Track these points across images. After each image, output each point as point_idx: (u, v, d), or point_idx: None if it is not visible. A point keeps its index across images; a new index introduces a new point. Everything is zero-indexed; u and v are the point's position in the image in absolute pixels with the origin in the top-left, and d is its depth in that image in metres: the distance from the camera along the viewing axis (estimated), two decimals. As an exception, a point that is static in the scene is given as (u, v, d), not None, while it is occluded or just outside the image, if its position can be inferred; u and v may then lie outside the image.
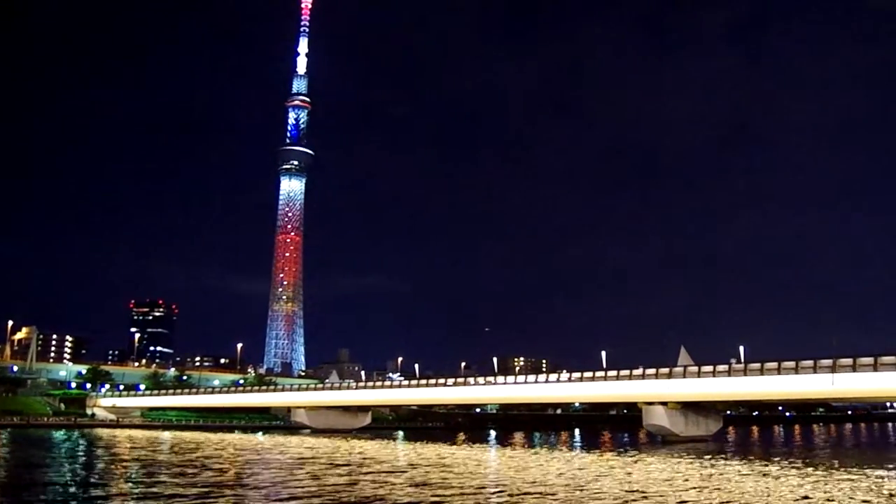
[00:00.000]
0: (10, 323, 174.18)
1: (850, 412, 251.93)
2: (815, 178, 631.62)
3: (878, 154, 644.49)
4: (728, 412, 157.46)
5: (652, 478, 43.61)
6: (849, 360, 68.45)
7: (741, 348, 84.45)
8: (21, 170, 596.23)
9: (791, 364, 72.17)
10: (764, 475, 45.00)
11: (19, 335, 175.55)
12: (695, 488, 37.69)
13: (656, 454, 65.55)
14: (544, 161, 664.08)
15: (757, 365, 75.42)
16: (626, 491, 36.31)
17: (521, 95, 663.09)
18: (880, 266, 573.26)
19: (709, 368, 78.98)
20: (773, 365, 73.67)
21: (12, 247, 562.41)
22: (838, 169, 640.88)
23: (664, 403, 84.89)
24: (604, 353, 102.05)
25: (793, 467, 51.09)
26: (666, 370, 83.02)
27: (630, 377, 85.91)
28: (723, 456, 63.46)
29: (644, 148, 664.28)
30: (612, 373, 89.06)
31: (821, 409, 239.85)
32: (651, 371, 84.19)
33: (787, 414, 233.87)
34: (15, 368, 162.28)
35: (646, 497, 34.01)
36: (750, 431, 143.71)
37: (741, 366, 77.60)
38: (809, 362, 70.81)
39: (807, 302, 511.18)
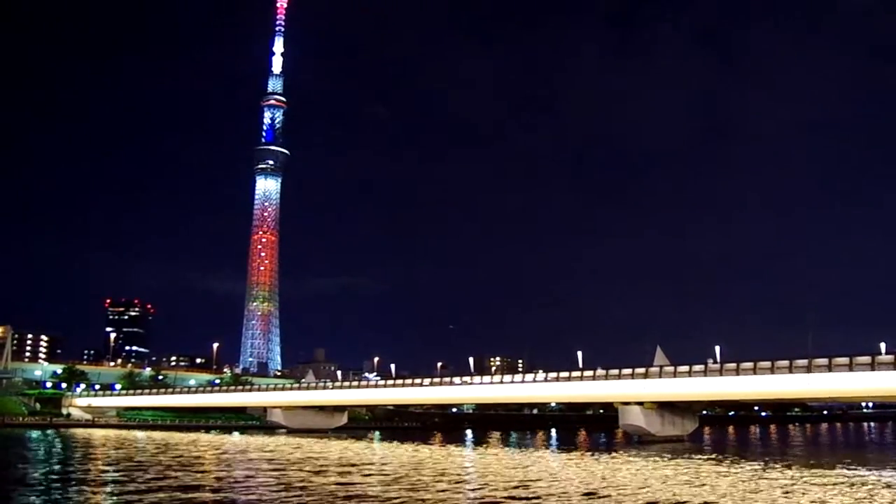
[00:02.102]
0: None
1: (825, 412, 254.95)
2: (791, 177, 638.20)
3: (849, 150, 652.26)
4: (704, 412, 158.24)
5: (628, 477, 43.32)
6: (824, 361, 68.63)
7: (717, 349, 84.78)
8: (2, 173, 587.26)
9: (767, 364, 72.21)
10: (740, 474, 44.93)
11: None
12: (671, 487, 37.43)
13: (633, 454, 65.44)
14: (520, 160, 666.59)
15: (733, 365, 75.40)
16: (599, 490, 35.94)
17: (496, 94, 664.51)
18: (859, 265, 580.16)
19: (685, 368, 79.00)
20: (749, 365, 73.69)
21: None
22: (814, 167, 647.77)
23: (640, 403, 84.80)
24: (580, 354, 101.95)
25: (769, 466, 51.12)
26: (642, 370, 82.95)
27: (606, 377, 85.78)
28: (699, 455, 63.48)
29: (619, 148, 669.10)
30: (589, 373, 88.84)
31: (797, 409, 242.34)
32: (627, 371, 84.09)
33: (763, 414, 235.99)
34: None
35: (620, 496, 33.64)
36: (726, 431, 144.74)
37: (717, 366, 77.71)
38: (785, 362, 70.92)
39: (784, 303, 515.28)
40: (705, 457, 61.76)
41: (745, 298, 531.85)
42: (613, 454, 66.92)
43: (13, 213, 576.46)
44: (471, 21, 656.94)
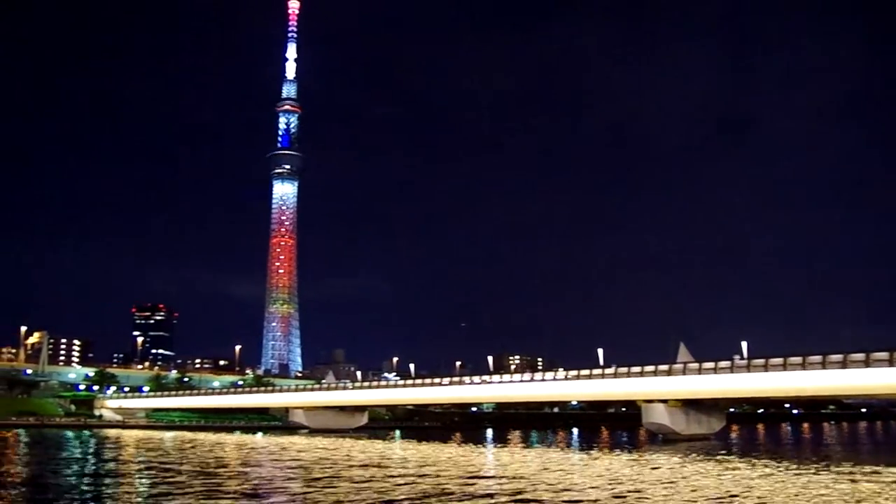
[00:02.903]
0: (24, 328, 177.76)
1: (863, 410, 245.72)
2: (814, 170, 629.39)
3: (867, 139, 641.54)
4: (731, 410, 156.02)
5: (654, 477, 42.45)
6: (861, 356, 65.47)
7: (744, 344, 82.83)
8: (28, 179, 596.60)
9: (798, 360, 69.54)
10: (772, 475, 43.75)
11: (32, 339, 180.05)
12: (699, 489, 36.53)
13: (658, 453, 64.37)
14: (535, 158, 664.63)
15: (761, 361, 72.92)
16: (625, 492, 35.15)
17: (508, 92, 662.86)
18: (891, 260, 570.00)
19: (710, 365, 77.27)
20: (779, 361, 71.14)
21: (23, 253, 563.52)
22: (837, 159, 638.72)
23: (664, 401, 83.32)
24: (601, 351, 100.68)
25: (804, 466, 49.50)
26: (665, 367, 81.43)
27: (628, 375, 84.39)
28: (728, 455, 61.93)
29: (636, 142, 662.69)
30: (610, 370, 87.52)
31: (831, 407, 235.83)
32: (650, 368, 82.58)
33: (795, 411, 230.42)
34: (28, 371, 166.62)
35: (651, 498, 32.83)
36: (755, 430, 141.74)
37: (744, 362, 75.50)
38: (818, 357, 68.13)
39: (811, 299, 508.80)
40: (736, 456, 60.10)
41: (774, 292, 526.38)
42: (638, 453, 65.78)
43: (46, 224, 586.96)
44: (481, 21, 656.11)
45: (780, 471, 45.28)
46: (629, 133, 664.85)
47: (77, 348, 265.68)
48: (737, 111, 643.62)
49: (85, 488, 36.91)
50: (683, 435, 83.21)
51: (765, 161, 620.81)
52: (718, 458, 56.62)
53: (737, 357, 78.81)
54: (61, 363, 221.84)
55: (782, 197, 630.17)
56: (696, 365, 79.29)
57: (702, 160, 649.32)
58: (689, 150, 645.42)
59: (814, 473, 43.20)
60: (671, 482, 38.25)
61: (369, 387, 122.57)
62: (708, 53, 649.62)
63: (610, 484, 37.72)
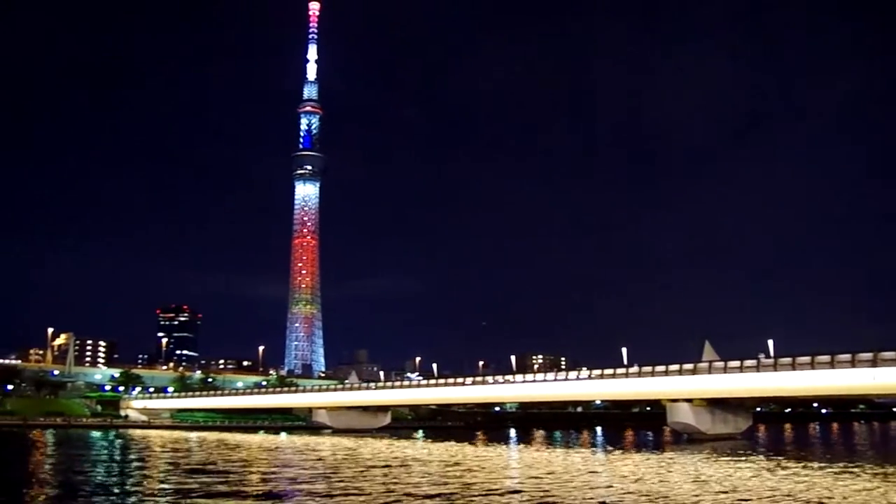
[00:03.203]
0: (51, 330, 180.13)
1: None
2: (831, 165, 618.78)
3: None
4: (758, 409, 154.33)
5: (681, 477, 42.06)
6: (892, 354, 64.37)
7: (770, 342, 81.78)
8: (54, 182, 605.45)
9: (826, 358, 68.54)
10: (801, 475, 43.19)
11: (58, 341, 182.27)
12: (728, 489, 36.13)
13: (683, 452, 63.82)
14: (555, 157, 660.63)
15: (788, 359, 72.01)
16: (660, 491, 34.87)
17: (528, 93, 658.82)
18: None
19: (736, 363, 76.44)
20: (806, 359, 70.23)
21: (50, 256, 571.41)
22: (852, 154, 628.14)
23: (689, 400, 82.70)
24: (624, 350, 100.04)
25: (833, 466, 48.84)
26: (690, 366, 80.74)
27: (653, 374, 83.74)
28: (756, 454, 61.13)
29: (653, 140, 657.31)
30: (634, 369, 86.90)
31: (861, 406, 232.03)
32: (674, 367, 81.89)
33: (824, 411, 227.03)
34: (56, 372, 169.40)
35: (679, 498, 32.53)
36: (782, 429, 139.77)
37: (771, 360, 74.51)
38: (847, 356, 67.02)
39: (839, 298, 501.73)
40: (763, 456, 59.30)
41: (797, 291, 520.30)
42: (663, 453, 65.26)
43: (72, 227, 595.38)
44: (500, 21, 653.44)
45: (809, 470, 44.69)
46: (649, 131, 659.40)
47: (103, 349, 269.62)
48: (750, 109, 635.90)
49: (116, 487, 37.24)
50: (709, 434, 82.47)
51: (785, 158, 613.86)
52: (745, 457, 55.98)
53: (762, 356, 77.83)
54: (87, 364, 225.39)
55: (801, 194, 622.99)
56: (721, 364, 78.52)
57: (720, 157, 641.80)
58: (704, 147, 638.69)
59: (843, 473, 42.58)
60: (699, 482, 37.88)
61: (392, 387, 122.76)
62: (718, 51, 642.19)
63: (636, 484, 37.44)
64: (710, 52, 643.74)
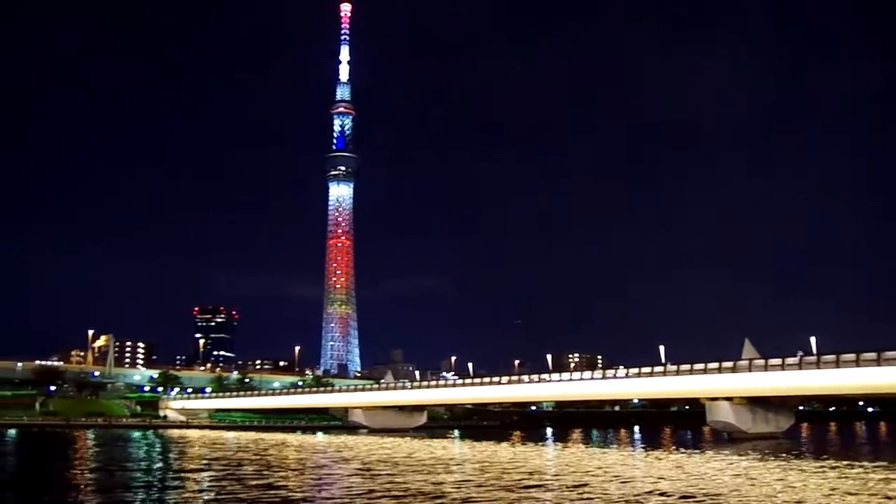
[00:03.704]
0: (91, 332, 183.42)
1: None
2: (869, 160, 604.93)
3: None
4: (800, 407, 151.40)
5: (724, 476, 41.29)
6: (943, 350, 63.09)
7: (812, 339, 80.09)
8: (93, 187, 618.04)
9: (872, 355, 66.59)
10: (846, 475, 42.09)
11: (98, 342, 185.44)
12: (774, 489, 35.35)
13: (725, 452, 62.73)
14: (591, 154, 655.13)
15: (832, 357, 70.27)
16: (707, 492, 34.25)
17: (557, 90, 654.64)
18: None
19: (777, 361, 74.93)
20: (851, 357, 68.31)
21: (89, 259, 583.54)
22: (889, 149, 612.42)
23: (729, 399, 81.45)
24: (662, 348, 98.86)
25: (880, 466, 47.44)
26: (730, 364, 79.39)
27: (691, 372, 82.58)
28: (799, 454, 59.66)
29: (686, 133, 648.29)
30: (672, 368, 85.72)
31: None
32: (713, 365, 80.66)
33: (870, 409, 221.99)
34: (96, 373, 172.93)
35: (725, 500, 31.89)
36: (826, 428, 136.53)
37: (814, 358, 72.83)
38: (894, 353, 65.14)
39: (880, 295, 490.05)
40: (807, 456, 57.90)
41: (841, 288, 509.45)
42: (704, 452, 64.22)
43: (112, 230, 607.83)
44: (528, 18, 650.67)
45: (860, 470, 43.58)
46: (680, 127, 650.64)
47: (141, 351, 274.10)
48: (788, 100, 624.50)
49: (164, 485, 37.93)
50: (750, 433, 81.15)
51: (816, 153, 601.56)
52: (788, 457, 54.81)
53: (800, 353, 76.08)
54: (127, 365, 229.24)
55: (836, 189, 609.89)
56: (762, 361, 77.13)
57: (754, 150, 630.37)
58: (738, 140, 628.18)
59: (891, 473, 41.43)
60: (742, 482, 37.15)
61: (428, 386, 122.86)
62: (753, 45, 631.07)
63: (679, 484, 36.83)
64: (741, 46, 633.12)
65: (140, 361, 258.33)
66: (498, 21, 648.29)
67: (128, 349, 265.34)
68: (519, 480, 38.71)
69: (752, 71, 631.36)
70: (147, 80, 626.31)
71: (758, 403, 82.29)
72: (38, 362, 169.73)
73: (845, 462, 49.78)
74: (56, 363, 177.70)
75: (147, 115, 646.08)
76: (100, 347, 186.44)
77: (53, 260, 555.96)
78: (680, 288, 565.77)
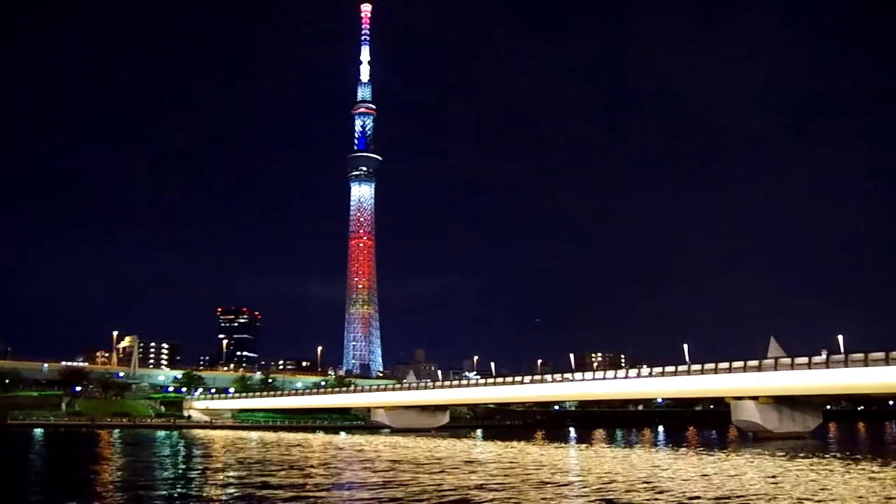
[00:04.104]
0: (116, 333, 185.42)
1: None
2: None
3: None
4: (828, 407, 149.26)
5: (752, 477, 40.69)
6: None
7: (840, 338, 78.87)
8: (117, 190, 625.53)
9: None
10: (878, 476, 41.30)
11: (123, 343, 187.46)
12: (805, 490, 34.73)
13: (752, 452, 61.88)
14: (610, 154, 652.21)
15: (860, 355, 69.14)
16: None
17: (579, 87, 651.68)
18: None
19: (803, 360, 73.90)
20: (880, 355, 67.11)
21: (114, 261, 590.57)
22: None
23: (755, 398, 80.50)
24: (686, 347, 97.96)
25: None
26: (755, 363, 78.42)
27: (716, 371, 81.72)
28: (828, 454, 58.67)
29: (710, 133, 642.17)
30: (696, 367, 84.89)
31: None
32: (738, 364, 79.73)
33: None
34: (121, 374, 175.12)
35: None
36: (854, 428, 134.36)
37: (841, 356, 71.72)
38: None
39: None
40: (840, 456, 56.68)
41: (869, 288, 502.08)
42: (731, 452, 63.41)
43: (136, 233, 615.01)
44: (550, 15, 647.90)
45: (890, 472, 42.75)
46: (710, 125, 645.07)
47: (165, 351, 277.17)
48: (810, 99, 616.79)
49: (193, 485, 38.26)
50: (776, 433, 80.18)
51: (854, 148, 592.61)
52: (818, 457, 53.95)
53: (824, 352, 74.89)
54: (151, 366, 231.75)
55: (863, 189, 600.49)
56: (788, 360, 76.13)
57: (779, 149, 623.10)
58: (763, 139, 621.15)
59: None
60: (774, 483, 36.56)
61: (450, 386, 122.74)
62: (774, 42, 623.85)
63: (707, 485, 36.33)
64: (767, 37, 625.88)
65: (164, 362, 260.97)
66: (519, 18, 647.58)
67: (152, 350, 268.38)
68: (544, 481, 38.44)
69: (783, 64, 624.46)
70: (169, 81, 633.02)
71: (784, 403, 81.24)
72: (63, 363, 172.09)
73: (878, 462, 48.90)
74: (81, 364, 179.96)
75: (168, 115, 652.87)
76: (124, 348, 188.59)
77: (78, 262, 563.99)
78: (705, 287, 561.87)
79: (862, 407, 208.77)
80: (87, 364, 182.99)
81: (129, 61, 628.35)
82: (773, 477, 39.55)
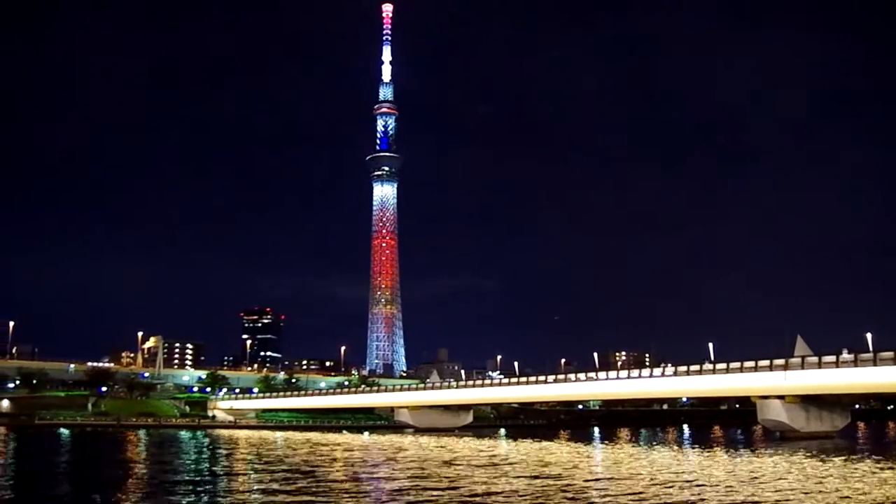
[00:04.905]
0: (141, 334, 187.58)
1: None
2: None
3: None
4: (856, 406, 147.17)
5: (784, 478, 40.15)
6: None
7: (868, 336, 77.65)
8: (142, 194, 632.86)
9: None
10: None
11: (148, 344, 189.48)
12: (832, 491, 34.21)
13: (780, 452, 61.13)
14: (630, 150, 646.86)
15: (890, 353, 68.10)
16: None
17: (599, 85, 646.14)
18: None
19: (831, 358, 72.90)
20: None
21: (139, 263, 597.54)
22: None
23: (781, 397, 79.58)
24: (711, 346, 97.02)
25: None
26: (781, 361, 77.55)
27: (741, 370, 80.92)
28: (858, 455, 57.76)
29: (732, 128, 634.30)
30: (722, 365, 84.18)
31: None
32: (764, 363, 78.88)
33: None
34: (146, 374, 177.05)
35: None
36: (885, 428, 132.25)
37: (869, 355, 70.66)
38: None
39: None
40: (871, 456, 55.75)
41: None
42: (761, 452, 62.67)
43: (159, 235, 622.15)
44: (570, 16, 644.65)
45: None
46: (731, 122, 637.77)
47: (190, 352, 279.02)
48: (841, 89, 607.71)
49: (221, 483, 38.67)
50: (803, 433, 79.25)
51: (872, 146, 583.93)
52: (845, 457, 53.13)
53: (844, 350, 73.66)
54: (176, 366, 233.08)
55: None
56: (815, 358, 75.21)
57: (820, 136, 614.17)
58: (785, 134, 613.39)
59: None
60: (806, 483, 36.06)
61: (473, 385, 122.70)
62: (798, 36, 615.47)
63: (738, 485, 35.91)
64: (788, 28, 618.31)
65: (188, 362, 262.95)
66: (541, 19, 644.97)
67: (176, 350, 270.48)
68: (571, 481, 38.23)
69: (791, 64, 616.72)
70: (192, 82, 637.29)
71: (811, 402, 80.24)
72: (89, 364, 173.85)
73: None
74: (107, 364, 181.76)
75: (193, 116, 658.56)
76: (149, 349, 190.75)
77: (104, 264, 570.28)
78: (729, 285, 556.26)
79: (892, 406, 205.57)
80: (112, 364, 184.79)
81: (151, 62, 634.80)
82: (807, 477, 39.01)
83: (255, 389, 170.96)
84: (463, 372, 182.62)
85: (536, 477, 40.08)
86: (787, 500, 30.47)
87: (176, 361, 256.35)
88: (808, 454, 55.90)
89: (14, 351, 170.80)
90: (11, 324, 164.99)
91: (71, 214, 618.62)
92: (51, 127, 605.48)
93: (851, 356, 71.31)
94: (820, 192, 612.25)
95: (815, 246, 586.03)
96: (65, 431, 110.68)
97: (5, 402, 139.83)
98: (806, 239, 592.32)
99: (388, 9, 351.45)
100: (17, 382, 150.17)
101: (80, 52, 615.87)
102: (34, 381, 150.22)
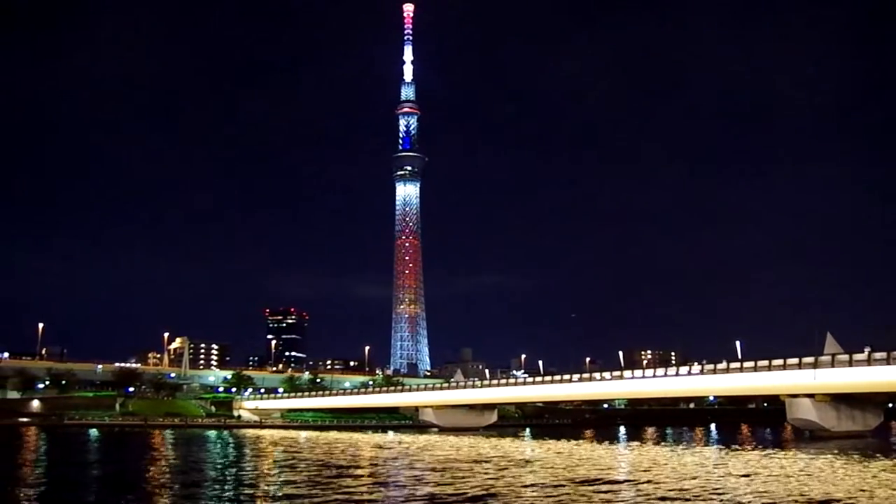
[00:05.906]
0: (166, 334, 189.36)
1: None
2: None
3: None
4: (889, 405, 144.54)
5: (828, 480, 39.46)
6: None
7: (899, 333, 76.29)
8: (163, 197, 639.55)
9: None
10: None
11: (174, 345, 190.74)
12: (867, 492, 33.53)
13: (812, 452, 60.16)
14: (657, 150, 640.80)
15: (923, 351, 67.19)
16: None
17: (620, 84, 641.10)
18: None
19: (862, 356, 71.56)
20: None
21: (165, 265, 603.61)
22: None
23: (811, 396, 78.39)
24: (738, 343, 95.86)
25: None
26: (811, 359, 76.30)
27: (769, 368, 79.74)
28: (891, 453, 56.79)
29: (754, 125, 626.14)
30: (749, 364, 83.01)
31: None
32: (793, 361, 77.70)
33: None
34: (172, 375, 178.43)
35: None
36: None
37: (902, 352, 69.56)
38: None
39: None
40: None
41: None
42: (787, 451, 61.71)
43: (184, 237, 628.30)
44: (593, 14, 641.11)
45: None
46: (755, 123, 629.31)
47: (215, 352, 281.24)
48: (862, 79, 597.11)
49: (249, 483, 38.69)
50: (834, 432, 78.02)
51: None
52: (880, 457, 52.11)
53: (867, 348, 72.23)
54: (201, 367, 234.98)
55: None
56: (845, 356, 73.85)
57: (822, 141, 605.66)
58: (804, 131, 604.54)
59: None
60: (845, 485, 35.40)
61: (498, 384, 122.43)
62: (819, 20, 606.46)
63: (774, 487, 35.33)
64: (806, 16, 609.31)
65: (214, 363, 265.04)
66: (563, 17, 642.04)
67: (202, 351, 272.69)
68: (599, 482, 37.87)
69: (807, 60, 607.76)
70: (208, 83, 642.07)
71: (842, 400, 78.93)
72: (117, 364, 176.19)
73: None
74: (134, 365, 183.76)
75: (216, 119, 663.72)
76: (175, 349, 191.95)
77: (131, 265, 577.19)
78: (757, 284, 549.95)
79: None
80: (139, 365, 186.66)
81: (162, 62, 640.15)
82: (845, 479, 38.31)
83: (280, 389, 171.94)
84: (487, 371, 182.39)
85: (570, 480, 39.74)
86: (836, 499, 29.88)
87: (202, 362, 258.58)
88: (840, 454, 54.88)
89: (43, 352, 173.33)
90: (41, 326, 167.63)
91: (98, 216, 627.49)
92: (79, 128, 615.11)
93: (884, 354, 69.94)
94: (849, 188, 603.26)
95: (845, 244, 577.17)
96: (94, 431, 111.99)
97: (35, 403, 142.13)
98: (834, 236, 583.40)
99: (409, 9, 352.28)
100: (47, 383, 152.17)
101: (124, 55, 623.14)
102: (63, 382, 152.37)
